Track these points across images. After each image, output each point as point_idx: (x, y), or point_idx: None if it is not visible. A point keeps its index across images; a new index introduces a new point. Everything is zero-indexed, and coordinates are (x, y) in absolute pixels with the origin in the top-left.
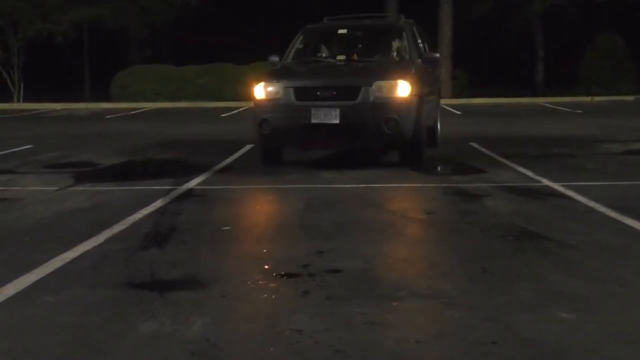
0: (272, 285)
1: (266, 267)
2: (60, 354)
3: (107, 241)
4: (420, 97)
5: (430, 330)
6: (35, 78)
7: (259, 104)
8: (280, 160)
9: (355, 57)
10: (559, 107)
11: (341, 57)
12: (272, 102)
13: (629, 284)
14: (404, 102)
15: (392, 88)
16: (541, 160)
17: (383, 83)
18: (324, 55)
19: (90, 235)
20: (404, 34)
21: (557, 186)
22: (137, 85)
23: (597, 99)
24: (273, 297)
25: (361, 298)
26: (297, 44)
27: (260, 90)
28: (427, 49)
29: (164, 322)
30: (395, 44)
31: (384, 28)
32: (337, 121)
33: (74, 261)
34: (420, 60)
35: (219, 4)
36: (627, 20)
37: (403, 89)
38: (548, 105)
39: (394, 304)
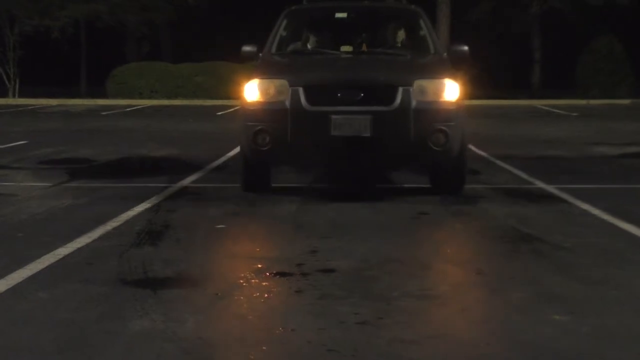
0: (265, 284)
1: (260, 265)
2: (53, 350)
3: (101, 238)
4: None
5: (424, 330)
6: (31, 73)
7: (252, 108)
8: (267, 186)
9: (365, 47)
10: (555, 110)
11: (347, 48)
12: (272, 107)
13: (622, 287)
14: (453, 109)
15: (439, 89)
16: (536, 162)
17: (426, 83)
18: (309, 45)
19: (84, 232)
20: (421, 21)
21: (551, 188)
22: (133, 82)
23: (592, 102)
24: (266, 295)
25: (355, 298)
26: (281, 30)
27: (254, 90)
28: None
29: (157, 320)
30: (410, 32)
31: (394, 12)
32: (367, 134)
33: (67, 257)
34: (445, 54)
35: (217, 1)
36: (625, 23)
37: (451, 90)
38: (544, 107)
39: (387, 304)
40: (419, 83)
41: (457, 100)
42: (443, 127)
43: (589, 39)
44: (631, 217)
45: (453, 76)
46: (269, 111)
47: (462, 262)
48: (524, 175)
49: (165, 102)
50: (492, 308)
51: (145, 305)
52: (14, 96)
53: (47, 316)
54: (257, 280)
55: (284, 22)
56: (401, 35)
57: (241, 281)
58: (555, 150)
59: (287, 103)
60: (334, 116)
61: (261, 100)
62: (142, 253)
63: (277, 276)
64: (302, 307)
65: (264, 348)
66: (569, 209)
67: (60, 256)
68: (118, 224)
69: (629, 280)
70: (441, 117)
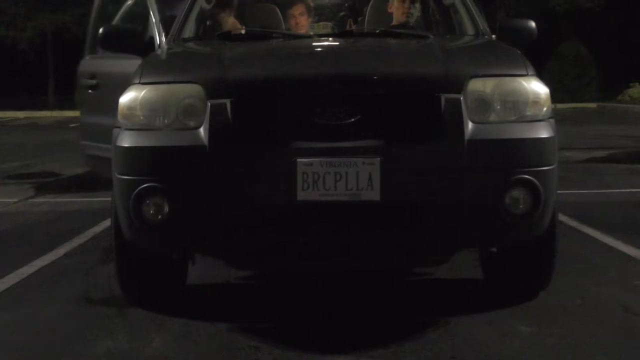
0: (233, 301)
1: (228, 282)
2: None
3: (66, 255)
4: None
5: (389, 345)
6: None
7: (133, 146)
8: (175, 286)
9: (352, 25)
10: None
11: (321, 28)
12: (171, 141)
13: (588, 295)
14: (546, 138)
15: (517, 98)
16: None
17: (492, 85)
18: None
19: (49, 249)
20: None
21: None
22: None
23: (559, 106)
24: (233, 312)
25: (322, 313)
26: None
27: (136, 107)
28: None
29: (122, 340)
30: (427, 2)
31: None
32: (373, 196)
33: (31, 276)
34: (494, 36)
35: None
36: (591, 28)
37: (539, 100)
38: None
39: (353, 318)
40: (476, 85)
41: (550, 119)
42: (528, 177)
43: (555, 43)
44: (598, 223)
45: (534, 72)
46: (166, 152)
47: (426, 273)
48: None
49: None
50: (457, 320)
51: (110, 325)
52: None
53: (10, 337)
54: (224, 297)
55: None
56: (415, 8)
57: (209, 298)
58: None
59: (204, 133)
60: (301, 160)
61: (150, 127)
62: (108, 270)
63: (246, 293)
64: (269, 324)
65: None
66: None
67: (24, 275)
68: (84, 240)
69: (595, 288)
70: (525, 156)
